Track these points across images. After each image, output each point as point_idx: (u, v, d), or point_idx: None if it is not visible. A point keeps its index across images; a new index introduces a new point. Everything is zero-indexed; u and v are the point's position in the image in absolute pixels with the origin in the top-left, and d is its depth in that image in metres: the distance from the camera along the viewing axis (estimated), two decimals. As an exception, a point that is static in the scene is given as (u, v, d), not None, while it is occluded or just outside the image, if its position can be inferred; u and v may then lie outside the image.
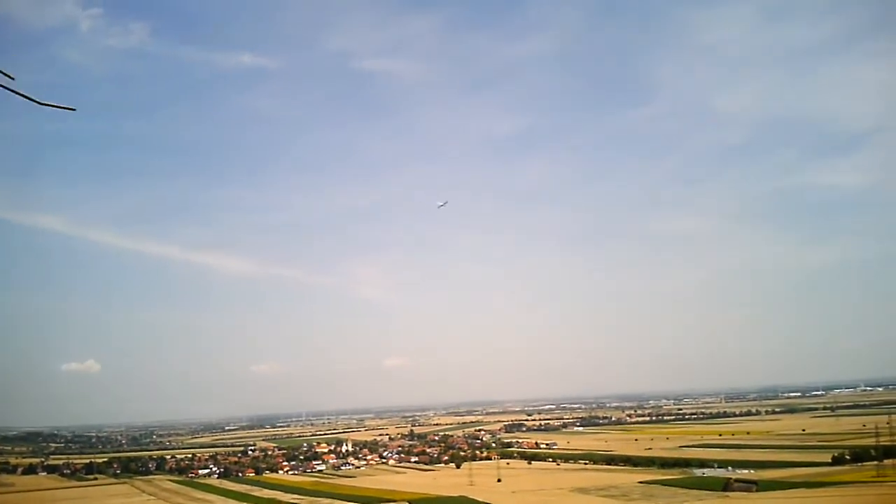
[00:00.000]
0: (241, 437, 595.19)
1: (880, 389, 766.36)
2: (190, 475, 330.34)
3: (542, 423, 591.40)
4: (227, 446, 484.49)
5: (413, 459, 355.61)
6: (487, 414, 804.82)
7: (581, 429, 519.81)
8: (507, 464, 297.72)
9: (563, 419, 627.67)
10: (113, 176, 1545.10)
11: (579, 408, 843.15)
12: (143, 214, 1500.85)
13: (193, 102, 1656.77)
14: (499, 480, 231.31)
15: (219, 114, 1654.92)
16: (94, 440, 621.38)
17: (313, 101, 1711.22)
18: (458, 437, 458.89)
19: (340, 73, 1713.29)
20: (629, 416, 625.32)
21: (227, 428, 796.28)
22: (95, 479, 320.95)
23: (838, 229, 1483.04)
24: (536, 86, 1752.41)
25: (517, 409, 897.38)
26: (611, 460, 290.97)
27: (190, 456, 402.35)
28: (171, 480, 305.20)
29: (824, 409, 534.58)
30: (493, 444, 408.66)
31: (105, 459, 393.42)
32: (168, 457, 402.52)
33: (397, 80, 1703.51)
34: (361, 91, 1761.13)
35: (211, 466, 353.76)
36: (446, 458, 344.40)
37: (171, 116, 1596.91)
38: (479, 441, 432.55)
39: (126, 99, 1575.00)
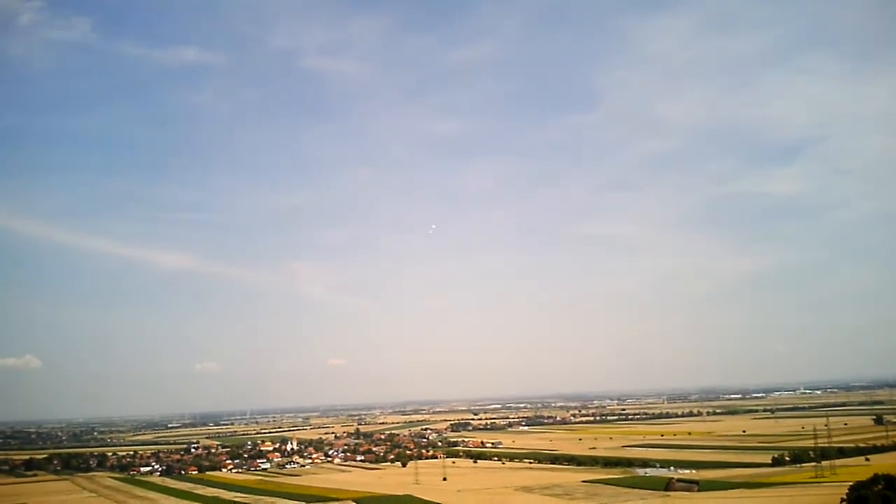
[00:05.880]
0: (184, 435, 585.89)
1: (819, 392, 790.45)
2: (131, 472, 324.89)
3: (488, 422, 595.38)
4: (170, 444, 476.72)
5: (359, 458, 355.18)
6: (434, 413, 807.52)
7: (526, 428, 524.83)
8: (453, 463, 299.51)
9: (508, 418, 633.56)
10: (50, 170, 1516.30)
11: (525, 407, 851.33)
12: (82, 210, 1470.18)
13: (134, 98, 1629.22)
14: (444, 479, 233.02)
15: (160, 109, 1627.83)
16: (33, 436, 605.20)
17: (256, 99, 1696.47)
18: (405, 435, 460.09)
19: (284, 72, 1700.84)
20: (573, 415, 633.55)
21: (170, 426, 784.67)
22: (35, 475, 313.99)
23: (773, 236, 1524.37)
24: (480, 90, 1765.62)
25: (463, 408, 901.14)
26: (555, 459, 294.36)
27: (132, 453, 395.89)
28: (112, 477, 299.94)
29: (764, 410, 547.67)
30: (439, 443, 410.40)
31: (45, 456, 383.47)
32: (109, 454, 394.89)
33: (342, 80, 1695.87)
34: (305, 90, 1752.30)
35: (153, 464, 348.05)
36: (392, 456, 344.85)
37: (111, 112, 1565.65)
38: (425, 440, 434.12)
39: (66, 93, 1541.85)
